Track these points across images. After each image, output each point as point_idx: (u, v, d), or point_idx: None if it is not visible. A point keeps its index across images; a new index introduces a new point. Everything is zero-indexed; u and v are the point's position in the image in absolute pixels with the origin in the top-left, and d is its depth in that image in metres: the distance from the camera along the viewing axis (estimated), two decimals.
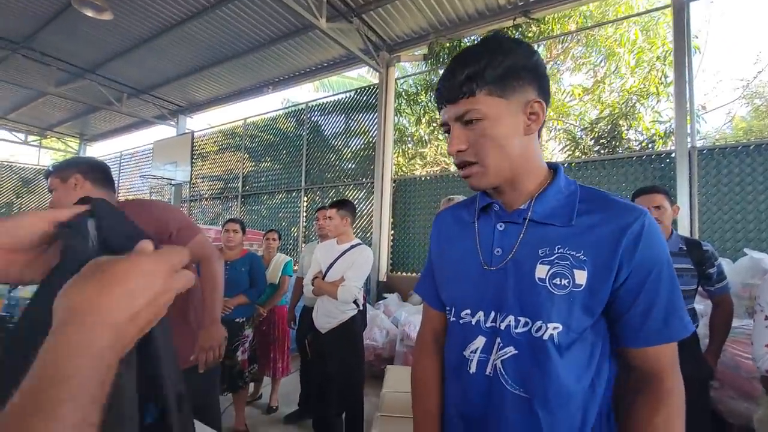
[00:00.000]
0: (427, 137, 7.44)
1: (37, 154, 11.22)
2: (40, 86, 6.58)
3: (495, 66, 0.64)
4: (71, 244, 0.39)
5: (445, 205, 1.73)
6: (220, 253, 1.59)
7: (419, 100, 6.99)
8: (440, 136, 7.41)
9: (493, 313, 0.69)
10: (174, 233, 1.42)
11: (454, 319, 0.76)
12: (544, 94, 0.68)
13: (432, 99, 6.71)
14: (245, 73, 6.37)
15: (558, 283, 0.64)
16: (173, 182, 8.04)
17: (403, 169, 7.55)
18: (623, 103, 6.03)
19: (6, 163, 9.97)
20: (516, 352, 0.66)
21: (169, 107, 7.92)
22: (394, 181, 5.39)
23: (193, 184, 7.99)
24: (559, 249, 0.65)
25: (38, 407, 0.25)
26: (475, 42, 0.71)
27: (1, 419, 0.25)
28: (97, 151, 10.98)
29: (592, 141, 6.26)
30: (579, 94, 7.19)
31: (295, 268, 3.45)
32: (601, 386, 0.66)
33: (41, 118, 9.43)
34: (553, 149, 9.14)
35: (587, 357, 0.65)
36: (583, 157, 5.96)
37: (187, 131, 8.06)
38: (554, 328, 0.64)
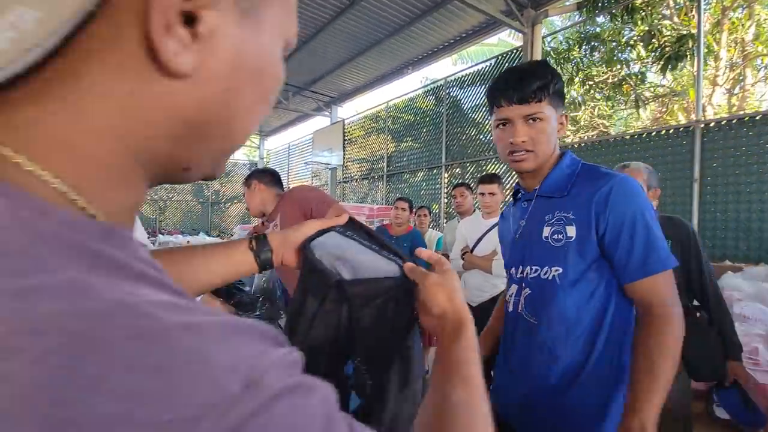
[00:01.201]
0: (580, 98, 6.59)
1: None
2: None
3: (555, 83, 0.88)
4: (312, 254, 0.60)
5: (619, 171, 1.58)
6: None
7: (571, 57, 6.22)
8: (597, 96, 6.47)
9: (520, 267, 0.96)
10: (314, 207, 1.82)
11: (507, 276, 1.04)
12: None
13: (587, 53, 5.89)
14: (386, 57, 6.68)
15: (556, 238, 0.88)
16: (329, 166, 9.11)
17: None
18: None
19: None
20: (530, 291, 0.92)
21: (324, 99, 8.92)
22: None
23: (345, 167, 8.91)
24: (557, 213, 0.89)
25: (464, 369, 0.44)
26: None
27: (439, 383, 0.42)
28: (271, 144, 13.18)
29: None
30: None
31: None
32: (608, 318, 0.85)
33: None
34: (762, 94, 7.04)
35: (589, 292, 0.85)
36: None
37: (338, 119, 8.96)
38: (555, 270, 0.87)
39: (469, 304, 2.00)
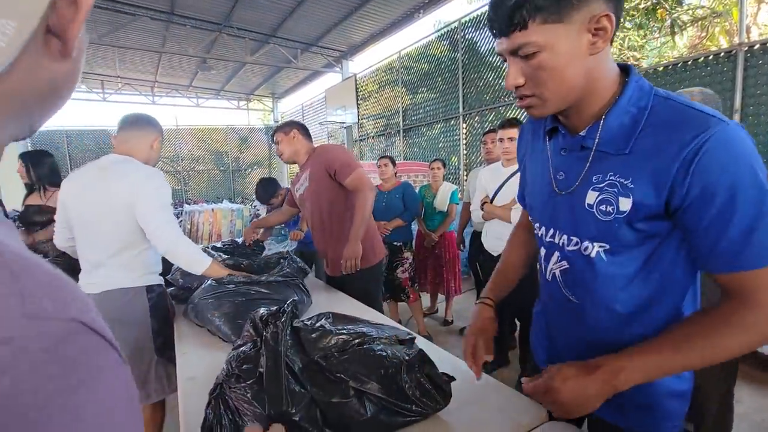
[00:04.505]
0: None
1: (246, 116, 14.06)
2: (240, 58, 8.02)
3: None
4: None
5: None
6: (372, 188, 1.93)
7: None
8: (627, 25, 5.92)
9: (552, 230, 0.78)
10: (337, 169, 1.91)
11: (533, 225, 0.88)
12: None
13: None
14: (394, 2, 6.28)
15: (603, 209, 0.66)
16: (344, 125, 8.95)
17: None
18: None
19: (229, 127, 12.84)
20: (568, 266, 0.75)
21: (333, 54, 8.60)
22: None
23: (360, 124, 8.73)
24: (610, 176, 0.66)
25: None
26: None
27: None
28: (284, 106, 12.99)
29: None
30: None
31: (461, 195, 3.53)
32: (666, 296, 0.69)
33: (245, 85, 11.62)
34: None
35: (643, 271, 0.68)
36: None
37: (350, 75, 8.67)
38: (600, 246, 0.69)
39: (490, 254, 2.00)
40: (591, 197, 0.68)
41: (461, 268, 3.61)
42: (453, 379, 0.89)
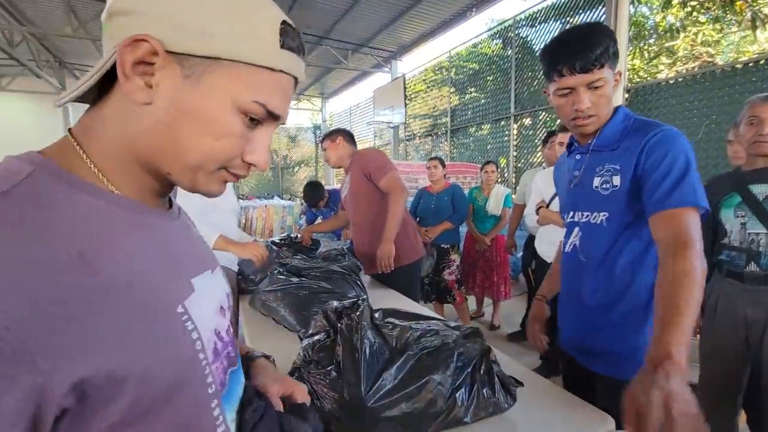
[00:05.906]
0: (679, 24, 5.62)
1: (295, 115, 14.55)
2: None
3: (612, 46, 0.90)
4: None
5: (761, 105, 1.39)
6: (403, 189, 2.00)
7: None
8: (701, 19, 5.48)
9: (572, 212, 1.08)
10: (371, 172, 2.04)
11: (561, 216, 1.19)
12: None
13: None
14: (447, 0, 6.24)
15: (605, 187, 0.98)
16: (391, 125, 9.01)
17: (640, 74, 6.06)
18: None
19: (279, 125, 13.32)
20: (582, 234, 1.05)
21: (383, 55, 8.68)
22: (629, 91, 4.43)
23: (407, 124, 8.75)
24: (606, 165, 0.98)
25: None
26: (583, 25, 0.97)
27: None
28: (332, 105, 13.30)
29: None
30: None
31: (513, 197, 3.47)
32: (650, 257, 0.95)
33: None
34: None
35: (632, 234, 0.96)
36: None
37: (399, 75, 8.71)
38: (603, 215, 0.99)
39: (543, 259, 2.09)
40: (596, 182, 1.00)
41: (509, 272, 3.54)
42: (521, 384, 0.90)
